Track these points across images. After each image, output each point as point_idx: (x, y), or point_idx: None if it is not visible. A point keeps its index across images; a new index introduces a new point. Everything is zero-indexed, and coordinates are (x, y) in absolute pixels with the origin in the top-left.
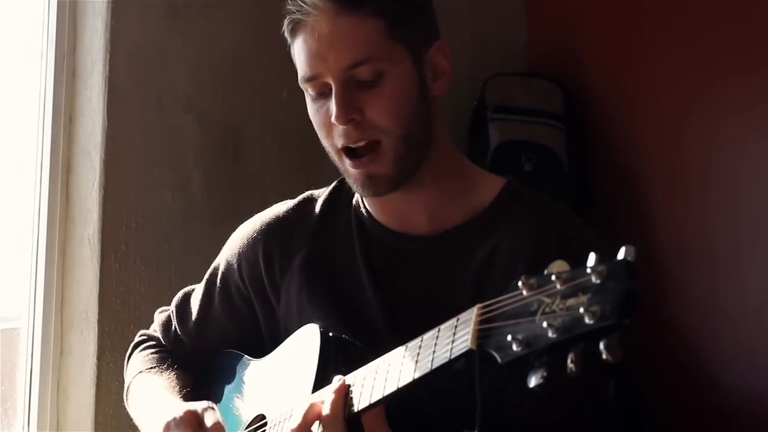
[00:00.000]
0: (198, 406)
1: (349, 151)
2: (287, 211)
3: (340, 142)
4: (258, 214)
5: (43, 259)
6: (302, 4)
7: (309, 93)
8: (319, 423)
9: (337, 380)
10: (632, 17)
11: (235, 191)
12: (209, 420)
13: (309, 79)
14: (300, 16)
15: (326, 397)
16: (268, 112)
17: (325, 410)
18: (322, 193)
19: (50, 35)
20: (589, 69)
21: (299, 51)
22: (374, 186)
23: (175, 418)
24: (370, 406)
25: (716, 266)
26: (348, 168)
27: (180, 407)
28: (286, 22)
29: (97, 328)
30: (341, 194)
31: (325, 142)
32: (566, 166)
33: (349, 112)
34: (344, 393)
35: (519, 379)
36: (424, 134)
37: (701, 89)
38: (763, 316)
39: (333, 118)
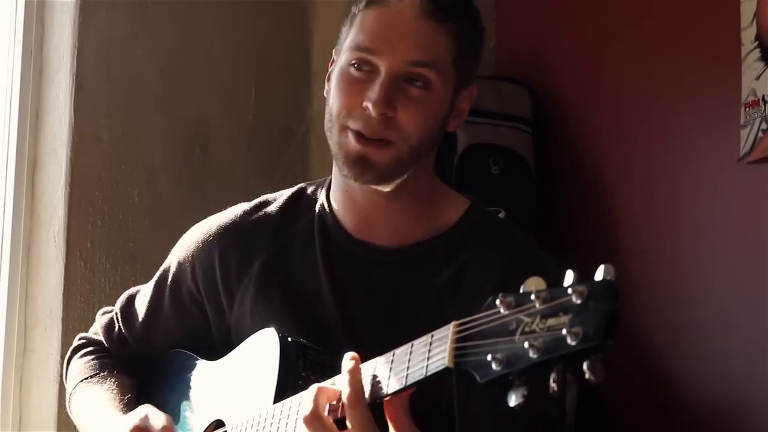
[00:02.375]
0: (137, 415)
1: (358, 134)
2: (244, 215)
3: (355, 124)
4: (212, 217)
5: (8, 256)
6: None
7: (350, 61)
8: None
9: (348, 357)
10: (601, 23)
11: (201, 190)
12: (157, 422)
13: (363, 50)
14: None
15: (343, 379)
16: (236, 111)
17: (346, 391)
18: (279, 197)
19: (17, 32)
20: (557, 73)
21: (365, 23)
22: (362, 170)
23: None
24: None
25: (680, 271)
26: (348, 141)
27: (122, 425)
28: None
29: (61, 326)
30: (302, 199)
31: (336, 112)
32: (533, 170)
33: (387, 108)
34: (359, 372)
35: (477, 395)
36: (425, 154)
37: (668, 94)
38: (731, 322)
39: (369, 103)
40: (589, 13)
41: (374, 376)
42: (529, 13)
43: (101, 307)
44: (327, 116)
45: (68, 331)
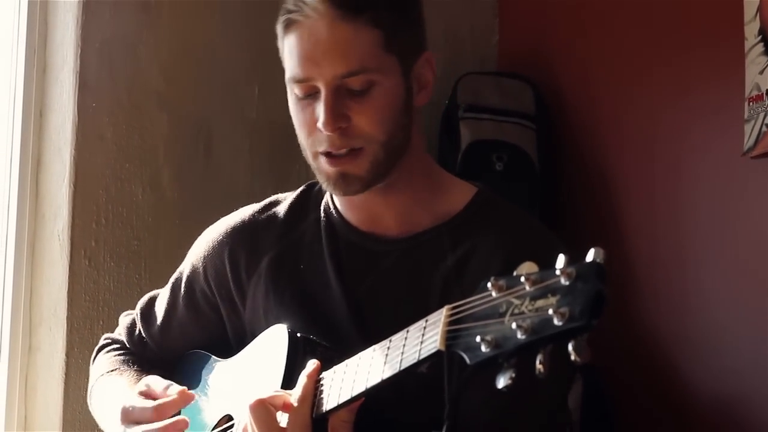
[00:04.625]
0: (141, 383)
1: (327, 154)
2: (253, 214)
3: (321, 147)
4: (223, 218)
5: (12, 255)
6: (302, 4)
7: (294, 92)
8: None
9: (311, 363)
10: (603, 17)
11: (205, 188)
12: (158, 385)
13: (298, 81)
14: (298, 17)
15: (299, 380)
16: (239, 109)
17: (296, 391)
18: (288, 197)
19: (21, 30)
20: (559, 68)
21: (291, 50)
22: (346, 185)
23: (127, 402)
24: (339, 407)
25: (685, 266)
26: (323, 165)
27: (130, 394)
28: (281, 17)
29: (66, 325)
30: (309, 197)
31: (304, 141)
32: (537, 165)
33: (337, 121)
34: (317, 377)
35: (478, 382)
36: (404, 142)
37: (671, 89)
38: (736, 317)
39: (320, 125)
40: (592, 9)
41: (329, 387)
42: (532, 8)
43: (106, 306)
44: (301, 146)
45: (73, 329)
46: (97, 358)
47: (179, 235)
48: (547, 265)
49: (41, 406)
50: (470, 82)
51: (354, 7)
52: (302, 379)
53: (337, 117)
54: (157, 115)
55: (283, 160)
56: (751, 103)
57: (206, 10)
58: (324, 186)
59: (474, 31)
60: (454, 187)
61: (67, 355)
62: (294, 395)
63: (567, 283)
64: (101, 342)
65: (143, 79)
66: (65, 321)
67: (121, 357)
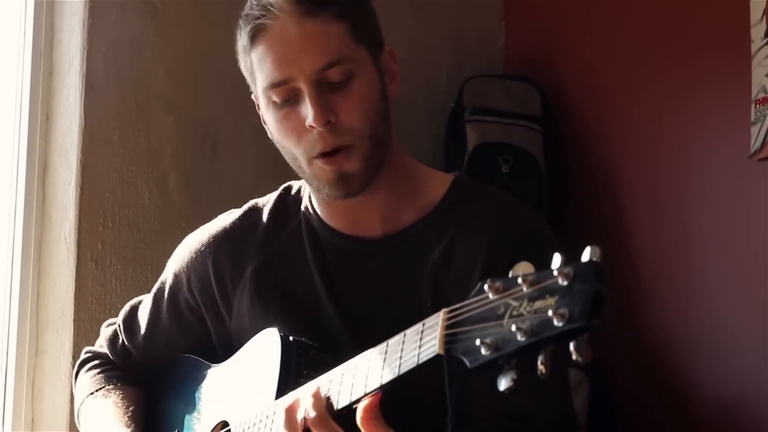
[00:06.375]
0: None
1: (322, 155)
2: (234, 222)
3: (316, 149)
4: (203, 226)
5: (19, 258)
6: (268, 7)
7: (273, 100)
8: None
9: (312, 386)
10: (610, 21)
11: (211, 191)
12: None
13: (277, 85)
14: (265, 21)
15: (306, 403)
16: (246, 111)
17: (311, 414)
18: (267, 202)
19: (27, 34)
20: (565, 71)
21: (263, 57)
22: (347, 186)
23: None
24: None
25: (691, 269)
26: (319, 169)
27: None
28: (247, 29)
29: (72, 327)
30: (287, 201)
31: (294, 150)
32: (543, 168)
33: (326, 114)
34: (321, 395)
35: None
36: (386, 133)
37: (677, 92)
38: (737, 319)
39: (310, 121)
40: (598, 11)
41: (327, 390)
42: (538, 11)
43: (113, 309)
44: (289, 158)
45: (80, 332)
46: (79, 374)
47: (185, 237)
48: (531, 243)
49: (48, 409)
50: (476, 84)
51: (319, 2)
52: (309, 399)
53: (325, 110)
54: (163, 118)
55: (289, 164)
56: (757, 106)
57: (212, 13)
58: (321, 192)
59: (480, 33)
60: (431, 179)
61: (74, 357)
62: (310, 416)
63: (565, 283)
64: (82, 356)
65: (149, 82)
66: (72, 324)
67: (104, 374)
